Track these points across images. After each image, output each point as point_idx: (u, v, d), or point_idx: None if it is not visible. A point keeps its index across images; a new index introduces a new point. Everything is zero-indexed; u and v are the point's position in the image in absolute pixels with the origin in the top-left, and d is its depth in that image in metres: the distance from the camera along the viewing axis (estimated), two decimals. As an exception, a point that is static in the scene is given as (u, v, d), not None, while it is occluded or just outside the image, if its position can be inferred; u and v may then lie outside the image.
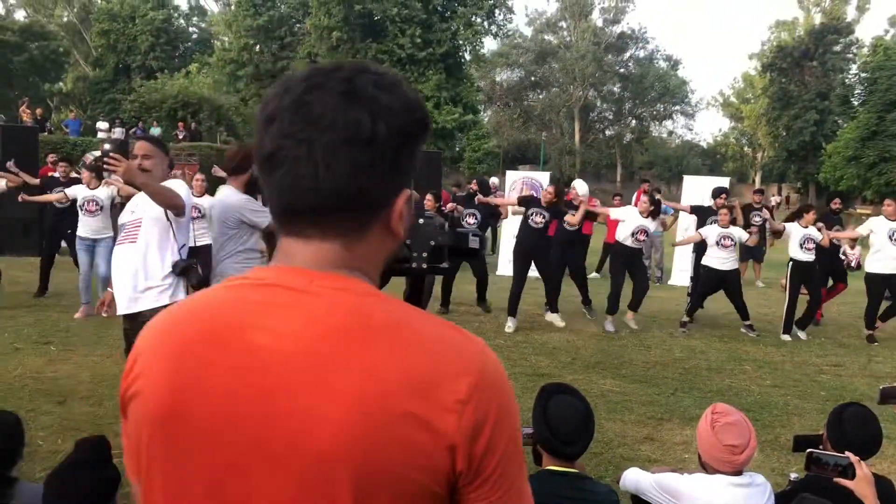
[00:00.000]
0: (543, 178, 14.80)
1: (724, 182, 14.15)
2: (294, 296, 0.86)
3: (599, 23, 59.12)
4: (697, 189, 13.93)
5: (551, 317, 8.96)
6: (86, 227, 8.18)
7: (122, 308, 4.44)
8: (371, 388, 0.80)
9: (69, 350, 6.63)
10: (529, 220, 8.62)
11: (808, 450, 2.51)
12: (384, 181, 0.88)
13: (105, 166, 4.60)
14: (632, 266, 8.94)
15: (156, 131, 28.62)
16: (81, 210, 8.25)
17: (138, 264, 4.37)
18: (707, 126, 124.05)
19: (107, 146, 7.70)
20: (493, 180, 18.31)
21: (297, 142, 0.84)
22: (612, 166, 59.04)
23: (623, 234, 8.90)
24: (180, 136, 26.89)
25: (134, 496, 0.94)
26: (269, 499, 0.82)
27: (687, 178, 14.92)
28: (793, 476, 3.13)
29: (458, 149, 40.45)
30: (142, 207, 4.38)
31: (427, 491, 0.82)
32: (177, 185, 4.41)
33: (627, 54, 60.47)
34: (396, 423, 0.79)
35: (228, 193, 4.79)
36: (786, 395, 6.41)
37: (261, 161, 0.88)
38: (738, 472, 2.58)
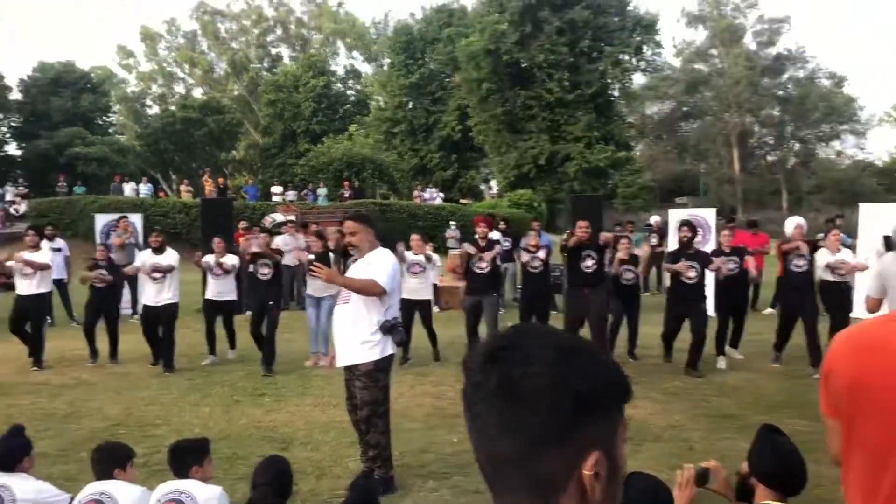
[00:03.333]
0: (709, 214, 14.03)
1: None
2: None
3: (752, 46, 57.18)
4: (877, 217, 12.27)
5: (723, 359, 8.90)
6: (312, 285, 8.97)
7: (340, 361, 5.08)
8: None
9: (281, 401, 7.34)
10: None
11: None
12: None
13: (311, 272, 5.82)
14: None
15: (322, 191, 30.54)
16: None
17: (351, 323, 4.98)
18: (881, 144, 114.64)
19: (311, 257, 8.88)
20: (655, 218, 17.88)
21: None
22: (777, 192, 56.34)
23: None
24: (346, 195, 28.54)
25: (830, 429, 1.79)
26: None
27: (863, 206, 13.44)
28: None
29: (609, 185, 40.02)
30: (354, 275, 5.02)
31: None
32: (382, 261, 4.98)
33: (786, 76, 57.90)
34: None
35: None
36: None
37: None
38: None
